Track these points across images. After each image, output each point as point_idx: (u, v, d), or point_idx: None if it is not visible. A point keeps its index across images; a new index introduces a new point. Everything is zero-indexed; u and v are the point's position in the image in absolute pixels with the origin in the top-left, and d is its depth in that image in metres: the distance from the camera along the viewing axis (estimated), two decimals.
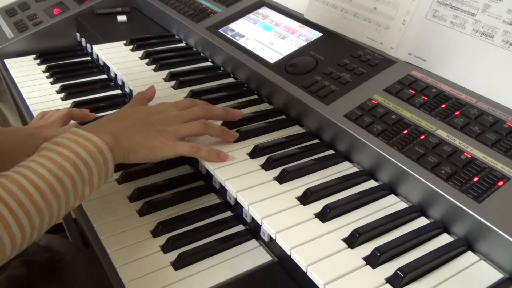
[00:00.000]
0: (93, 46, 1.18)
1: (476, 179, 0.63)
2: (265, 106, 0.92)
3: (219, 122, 0.82)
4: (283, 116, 0.89)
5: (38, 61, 1.26)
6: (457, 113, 0.73)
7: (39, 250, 0.90)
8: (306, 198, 0.67)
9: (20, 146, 0.83)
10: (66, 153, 0.62)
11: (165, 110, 0.75)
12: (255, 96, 0.96)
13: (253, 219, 0.69)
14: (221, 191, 0.78)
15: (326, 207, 0.65)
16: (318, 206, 0.66)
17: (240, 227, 0.73)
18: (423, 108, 0.75)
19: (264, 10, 1.12)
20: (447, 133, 0.70)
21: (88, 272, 0.84)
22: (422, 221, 0.66)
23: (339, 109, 0.79)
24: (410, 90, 0.79)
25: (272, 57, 0.96)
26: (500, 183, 0.62)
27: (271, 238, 0.64)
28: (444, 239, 0.63)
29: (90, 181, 0.64)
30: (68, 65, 1.23)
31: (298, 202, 0.67)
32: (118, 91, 1.11)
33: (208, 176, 0.79)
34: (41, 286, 0.83)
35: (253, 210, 0.65)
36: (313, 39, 0.98)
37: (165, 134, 0.71)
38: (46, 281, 0.84)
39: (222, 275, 0.65)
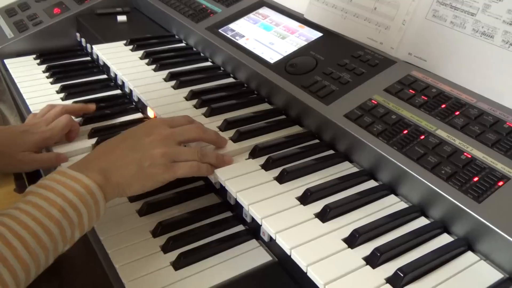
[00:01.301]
0: (93, 46, 1.18)
1: (476, 179, 0.63)
2: (265, 106, 0.92)
3: None
4: (283, 116, 0.89)
5: (38, 61, 1.26)
6: (457, 113, 0.73)
7: None
8: (306, 198, 0.67)
9: (15, 143, 0.82)
10: (53, 197, 0.57)
11: (155, 129, 0.70)
12: (255, 96, 0.96)
13: (253, 219, 0.69)
14: (221, 191, 0.78)
15: (326, 207, 0.65)
16: (318, 206, 0.66)
17: (240, 227, 0.73)
18: (423, 108, 0.75)
19: (264, 10, 1.12)
20: (447, 133, 0.70)
21: (88, 267, 0.84)
22: (422, 221, 0.66)
23: (339, 109, 0.79)
24: (410, 90, 0.79)
25: (272, 57, 0.96)
26: (500, 183, 0.62)
27: (271, 238, 0.64)
28: (444, 239, 0.63)
29: (80, 225, 0.59)
30: (68, 65, 1.23)
31: (298, 202, 0.67)
32: (118, 91, 1.11)
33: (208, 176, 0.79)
34: (41, 283, 0.82)
35: (253, 210, 0.65)
36: (313, 39, 0.98)
37: (160, 159, 0.66)
38: (46, 279, 0.84)
39: (222, 275, 0.65)
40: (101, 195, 0.61)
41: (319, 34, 0.98)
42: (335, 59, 0.90)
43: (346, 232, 0.62)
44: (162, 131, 0.69)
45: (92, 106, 0.96)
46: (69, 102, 1.04)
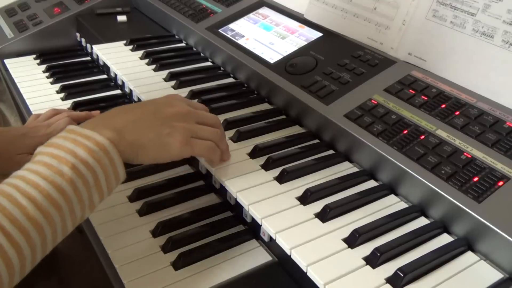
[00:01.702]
0: (93, 46, 1.18)
1: (476, 179, 0.63)
2: (265, 106, 0.92)
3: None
4: (283, 116, 0.89)
5: (38, 61, 1.26)
6: (457, 113, 0.73)
7: None
8: (306, 198, 0.67)
9: (14, 145, 0.82)
10: (63, 155, 0.53)
11: (177, 103, 0.67)
12: (255, 96, 0.96)
13: (253, 219, 0.69)
14: (221, 191, 0.78)
15: (326, 207, 0.65)
16: (318, 206, 0.66)
17: (240, 227, 0.73)
18: (423, 108, 0.75)
19: (264, 10, 1.12)
20: (447, 133, 0.70)
21: (88, 267, 0.84)
22: (422, 221, 0.66)
23: (339, 109, 0.79)
24: (410, 90, 0.79)
25: (272, 57, 0.96)
26: (500, 183, 0.62)
27: (271, 238, 0.64)
28: (444, 239, 0.63)
29: (97, 185, 0.55)
30: (68, 65, 1.23)
31: (298, 202, 0.67)
32: (118, 91, 1.11)
33: (208, 176, 0.79)
34: (40, 281, 0.82)
35: (253, 210, 0.65)
36: (313, 39, 0.98)
37: (180, 131, 0.63)
38: (45, 277, 0.83)
39: (222, 275, 0.65)
40: (116, 153, 0.57)
41: (319, 34, 0.98)
42: (335, 59, 0.90)
43: (346, 232, 0.62)
44: (184, 106, 0.67)
45: (96, 114, 0.95)
46: (69, 102, 1.04)
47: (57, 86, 1.11)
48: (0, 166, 0.83)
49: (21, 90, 1.10)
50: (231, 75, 1.05)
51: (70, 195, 0.52)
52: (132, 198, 0.77)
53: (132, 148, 0.60)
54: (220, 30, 1.10)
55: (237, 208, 0.74)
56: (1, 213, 0.47)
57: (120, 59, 1.11)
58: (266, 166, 0.73)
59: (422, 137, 0.71)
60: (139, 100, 0.98)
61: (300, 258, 0.58)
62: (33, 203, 0.49)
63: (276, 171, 0.72)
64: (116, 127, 0.59)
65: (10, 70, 1.20)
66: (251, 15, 1.12)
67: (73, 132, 0.56)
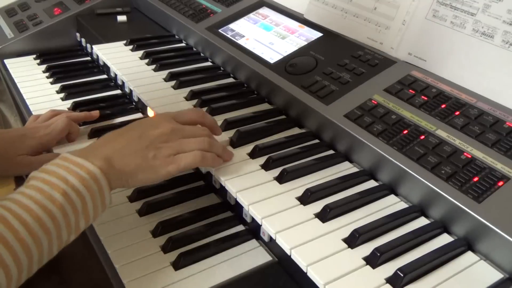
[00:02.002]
0: (93, 46, 1.18)
1: (476, 179, 0.63)
2: (265, 106, 0.92)
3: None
4: (283, 116, 0.89)
5: (38, 61, 1.26)
6: (457, 113, 0.73)
7: None
8: (306, 198, 0.67)
9: (14, 146, 0.82)
10: (55, 182, 0.56)
11: (162, 122, 0.69)
12: (255, 96, 0.95)
13: (253, 219, 0.69)
14: (221, 191, 0.78)
15: (326, 207, 0.65)
16: (318, 206, 0.66)
17: (240, 227, 0.73)
18: (423, 108, 0.75)
19: (264, 10, 1.12)
20: (447, 133, 0.70)
21: (88, 267, 0.84)
22: (422, 221, 0.66)
23: (339, 109, 0.79)
24: (410, 90, 0.79)
25: (272, 57, 0.96)
26: (500, 183, 0.62)
27: (271, 238, 0.64)
28: (444, 239, 0.63)
29: (85, 212, 0.58)
30: (68, 65, 1.23)
31: (298, 202, 0.67)
32: (118, 91, 1.11)
33: (208, 176, 0.79)
34: (40, 281, 0.82)
35: (253, 210, 0.65)
36: (313, 39, 0.98)
37: (164, 152, 0.65)
38: (45, 276, 0.83)
39: (222, 275, 0.65)
40: (105, 181, 0.60)
41: (319, 34, 0.98)
42: (335, 59, 0.90)
43: (346, 232, 0.62)
44: (168, 125, 0.68)
45: (96, 114, 0.95)
46: (69, 102, 1.04)
47: (57, 86, 1.11)
48: (2, 167, 0.83)
49: (21, 90, 1.10)
50: (231, 75, 1.05)
51: (59, 220, 0.55)
52: (132, 198, 0.77)
53: (121, 175, 0.63)
54: (220, 30, 1.10)
55: (237, 208, 0.74)
56: None
57: (120, 59, 1.11)
58: (266, 166, 0.73)
59: (422, 137, 0.71)
60: (139, 100, 0.98)
61: (300, 258, 0.58)
62: (25, 226, 0.52)
63: (276, 171, 0.72)
64: (105, 156, 0.62)
65: (10, 70, 1.20)
66: (251, 15, 1.12)
67: (66, 160, 0.59)
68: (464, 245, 0.62)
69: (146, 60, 1.10)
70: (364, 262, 0.58)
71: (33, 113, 1.01)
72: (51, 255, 0.56)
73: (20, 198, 0.54)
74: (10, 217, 0.52)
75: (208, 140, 0.70)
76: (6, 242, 0.50)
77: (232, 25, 1.11)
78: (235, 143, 0.79)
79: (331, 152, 0.79)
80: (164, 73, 1.03)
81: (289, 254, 0.60)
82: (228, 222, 0.74)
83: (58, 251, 0.57)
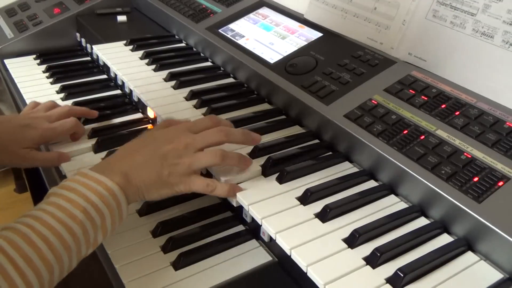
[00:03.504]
0: (93, 46, 1.18)
1: (476, 179, 0.63)
2: (265, 106, 0.92)
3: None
4: (283, 116, 0.89)
5: (38, 61, 1.25)
6: (457, 113, 0.73)
7: None
8: (306, 198, 0.67)
9: (16, 139, 0.82)
10: (75, 199, 0.58)
11: (177, 136, 0.68)
12: (255, 96, 0.95)
13: (253, 219, 0.69)
14: None
15: (326, 207, 0.65)
16: (318, 206, 0.66)
17: (240, 227, 0.73)
18: (423, 108, 0.75)
19: (264, 10, 1.12)
20: (447, 133, 0.70)
21: (88, 267, 0.84)
22: (422, 221, 0.66)
23: (339, 109, 0.79)
24: (410, 90, 0.79)
25: (272, 57, 0.96)
26: (500, 183, 0.62)
27: (271, 238, 0.64)
28: (444, 239, 0.63)
29: (103, 227, 0.60)
30: (68, 65, 1.23)
31: (298, 202, 0.67)
32: (118, 91, 1.11)
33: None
34: None
35: (253, 210, 0.65)
36: (313, 39, 0.98)
37: (178, 169, 0.65)
38: None
39: (222, 275, 0.65)
40: (123, 197, 0.62)
41: (319, 34, 0.98)
42: (335, 59, 0.90)
43: (346, 232, 0.62)
44: (182, 139, 0.68)
45: (95, 113, 0.95)
46: (69, 102, 1.04)
47: (57, 86, 1.11)
48: (5, 159, 0.83)
49: (21, 90, 1.10)
50: (231, 75, 1.05)
51: (79, 237, 0.57)
52: None
53: (138, 191, 0.65)
54: (220, 30, 1.10)
55: (237, 208, 0.73)
56: (17, 253, 0.51)
57: (120, 59, 1.11)
58: (266, 166, 0.73)
59: (422, 137, 0.71)
60: (139, 100, 0.98)
61: (300, 258, 0.58)
62: (47, 244, 0.53)
63: (276, 171, 0.72)
64: (122, 172, 0.63)
65: (10, 70, 1.20)
66: (251, 15, 1.12)
67: (85, 176, 0.61)
68: (464, 245, 0.62)
69: (146, 60, 1.10)
70: (364, 262, 0.58)
71: None
72: (71, 268, 0.58)
73: (41, 215, 0.55)
74: (32, 235, 0.53)
75: (220, 153, 0.68)
76: (30, 260, 0.52)
77: (232, 25, 1.11)
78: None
79: (331, 152, 0.79)
80: (164, 73, 1.03)
81: (289, 254, 0.60)
82: (228, 222, 0.74)
83: (77, 264, 0.59)
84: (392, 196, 0.70)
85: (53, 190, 0.60)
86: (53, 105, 0.93)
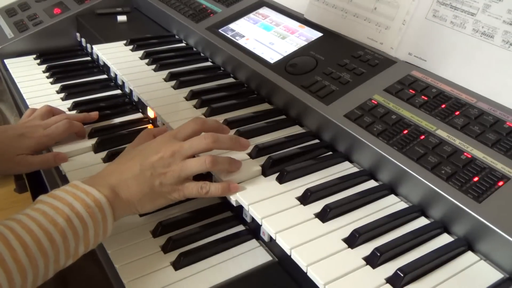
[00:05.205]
0: (93, 46, 1.18)
1: (476, 179, 0.63)
2: (265, 106, 0.92)
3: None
4: (283, 116, 0.89)
5: (38, 61, 1.26)
6: (457, 113, 0.73)
7: None
8: (306, 198, 0.67)
9: (12, 146, 0.82)
10: (60, 206, 0.57)
11: (163, 145, 0.68)
12: (255, 96, 0.95)
13: (253, 219, 0.69)
14: None
15: (326, 207, 0.65)
16: (318, 206, 0.66)
17: (240, 227, 0.73)
18: (423, 108, 0.75)
19: (264, 10, 1.12)
20: (447, 133, 0.70)
21: (88, 267, 0.84)
22: (422, 221, 0.66)
23: (339, 109, 0.79)
24: (410, 90, 0.79)
25: (272, 57, 0.96)
26: (500, 183, 0.62)
27: (271, 238, 0.64)
28: (444, 239, 0.63)
29: (85, 238, 0.59)
30: (68, 65, 1.23)
31: (298, 202, 0.67)
32: (118, 91, 1.11)
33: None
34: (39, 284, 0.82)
35: (253, 210, 0.65)
36: (313, 39, 0.98)
37: (169, 178, 0.65)
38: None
39: (222, 275, 0.65)
40: (110, 210, 0.61)
41: (319, 34, 0.98)
42: (335, 59, 0.90)
43: (346, 232, 0.62)
44: (169, 147, 0.67)
45: (95, 115, 0.95)
46: (69, 102, 1.04)
47: (57, 86, 1.11)
48: (1, 167, 0.83)
49: (21, 90, 1.10)
50: (231, 75, 1.05)
51: (58, 244, 0.56)
52: None
53: (129, 205, 0.65)
54: (220, 30, 1.10)
55: (237, 208, 0.73)
56: None
57: (120, 59, 1.11)
58: (266, 166, 0.73)
59: (422, 137, 0.71)
60: (139, 100, 0.98)
61: (300, 258, 0.58)
62: (23, 247, 0.53)
63: (276, 171, 0.72)
64: (111, 185, 0.63)
65: (10, 70, 1.20)
66: (251, 15, 1.12)
67: (75, 187, 0.61)
68: (464, 245, 0.62)
69: (146, 60, 1.10)
70: (364, 262, 0.58)
71: None
72: (47, 277, 0.57)
73: (23, 219, 0.55)
74: (10, 237, 0.53)
75: (210, 160, 0.67)
76: (2, 260, 0.51)
77: (232, 25, 1.11)
78: None
79: (331, 152, 0.79)
80: (164, 73, 1.03)
81: (289, 254, 0.60)
82: (228, 222, 0.74)
83: (54, 274, 0.58)
84: (392, 196, 0.70)
85: (41, 198, 0.60)
86: (49, 110, 0.92)
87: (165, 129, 0.82)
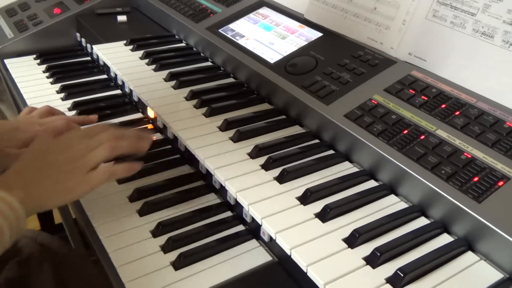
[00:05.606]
0: (93, 46, 1.18)
1: (476, 179, 0.63)
2: (265, 106, 0.92)
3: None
4: (283, 116, 0.89)
5: (38, 61, 1.26)
6: (457, 113, 0.73)
7: (33, 247, 0.89)
8: (306, 198, 0.67)
9: (3, 138, 0.81)
10: None
11: (69, 144, 0.69)
12: (255, 96, 0.95)
13: (253, 219, 0.69)
14: (221, 191, 0.77)
15: (326, 207, 0.65)
16: (318, 206, 0.66)
17: (240, 227, 0.73)
18: (423, 108, 0.75)
19: (264, 10, 1.12)
20: (447, 133, 0.70)
21: (88, 267, 0.84)
22: (422, 221, 0.66)
23: (339, 109, 0.79)
24: (410, 90, 0.79)
25: (272, 57, 0.96)
26: (500, 183, 0.62)
27: (271, 238, 0.64)
28: (444, 239, 0.63)
29: (0, 241, 0.58)
30: (68, 65, 1.23)
31: (298, 202, 0.67)
32: (118, 91, 1.11)
33: (208, 176, 0.79)
34: (40, 281, 0.82)
35: (253, 210, 0.65)
36: (313, 39, 0.98)
37: (75, 172, 0.66)
38: (43, 279, 0.83)
39: (222, 275, 0.65)
40: (23, 211, 0.61)
41: (319, 34, 0.98)
42: (335, 59, 0.90)
43: (346, 232, 0.62)
44: (76, 145, 0.69)
45: (94, 118, 0.95)
46: (69, 102, 1.04)
47: (57, 86, 1.11)
48: None
49: (21, 90, 1.10)
50: (231, 75, 1.05)
51: None
52: (132, 198, 0.77)
53: (37, 202, 0.65)
54: (220, 30, 1.10)
55: (237, 208, 0.74)
56: None
57: (120, 59, 1.11)
58: (266, 166, 0.73)
59: (422, 137, 0.71)
60: (139, 100, 0.98)
61: (300, 258, 0.58)
62: None
63: (276, 171, 0.72)
64: (21, 185, 0.63)
65: (10, 70, 1.20)
66: (251, 15, 1.12)
67: None
68: (464, 245, 0.62)
69: (146, 60, 1.10)
70: (364, 262, 0.58)
71: None
72: None
73: None
74: None
75: (109, 146, 0.69)
76: None
77: (232, 25, 1.11)
78: (235, 143, 0.79)
79: (331, 152, 0.79)
80: (164, 73, 1.03)
81: (289, 254, 0.60)
82: (228, 222, 0.74)
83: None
84: (392, 196, 0.70)
85: None
86: (49, 110, 0.92)
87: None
